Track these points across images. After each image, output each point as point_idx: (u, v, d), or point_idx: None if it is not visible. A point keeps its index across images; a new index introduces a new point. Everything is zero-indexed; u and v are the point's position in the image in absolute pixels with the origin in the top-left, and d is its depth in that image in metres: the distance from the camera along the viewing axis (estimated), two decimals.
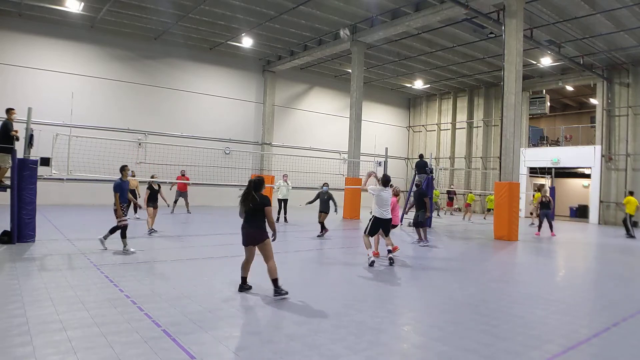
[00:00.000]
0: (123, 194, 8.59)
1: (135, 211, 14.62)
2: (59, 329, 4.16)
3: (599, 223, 21.66)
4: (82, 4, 16.41)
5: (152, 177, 12.05)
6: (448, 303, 5.80)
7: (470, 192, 23.11)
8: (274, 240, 5.80)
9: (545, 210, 15.27)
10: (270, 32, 19.53)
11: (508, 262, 9.85)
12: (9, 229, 8.70)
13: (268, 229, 5.75)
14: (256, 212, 5.68)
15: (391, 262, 8.23)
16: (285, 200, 15.69)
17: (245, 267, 5.91)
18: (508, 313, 5.42)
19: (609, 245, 13.65)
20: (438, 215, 22.92)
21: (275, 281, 5.60)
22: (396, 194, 9.99)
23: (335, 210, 12.11)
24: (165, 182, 17.08)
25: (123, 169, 8.76)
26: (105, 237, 8.67)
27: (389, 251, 8.41)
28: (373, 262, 7.98)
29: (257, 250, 5.82)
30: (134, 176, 14.14)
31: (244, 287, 5.90)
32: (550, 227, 15.27)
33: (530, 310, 5.58)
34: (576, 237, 15.28)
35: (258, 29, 19.06)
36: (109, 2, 16.23)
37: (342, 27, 18.51)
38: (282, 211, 15.47)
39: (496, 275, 7.99)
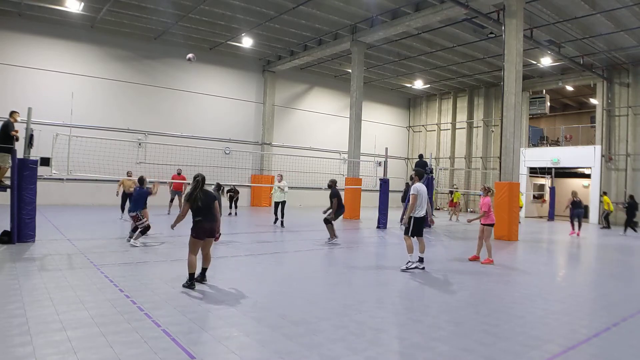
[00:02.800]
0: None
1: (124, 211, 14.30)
2: (59, 329, 4.16)
3: (599, 223, 21.65)
4: (82, 4, 16.40)
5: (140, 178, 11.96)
6: (448, 303, 5.80)
7: (457, 190, 22.56)
8: (217, 237, 6.52)
9: (579, 209, 15.65)
10: (270, 32, 19.53)
11: (508, 262, 9.84)
12: (9, 229, 8.70)
13: None
14: (210, 207, 6.10)
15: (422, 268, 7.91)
16: (283, 203, 14.57)
17: (196, 262, 6.03)
18: (508, 313, 5.42)
19: (609, 245, 13.65)
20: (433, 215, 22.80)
21: (205, 272, 6.22)
22: (487, 190, 9.46)
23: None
24: (164, 182, 17.05)
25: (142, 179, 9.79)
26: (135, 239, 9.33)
27: (421, 259, 8.01)
28: (416, 267, 7.76)
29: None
30: (130, 177, 14.01)
31: (203, 281, 6.16)
32: (579, 226, 15.74)
33: (530, 310, 5.58)
34: (576, 237, 15.27)
35: (258, 29, 19.06)
36: (109, 2, 16.23)
37: (342, 27, 18.53)
38: (280, 214, 14.43)
39: (496, 275, 7.99)
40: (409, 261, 7.83)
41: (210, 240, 6.24)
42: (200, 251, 6.16)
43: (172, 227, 6.24)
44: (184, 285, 5.92)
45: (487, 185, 9.67)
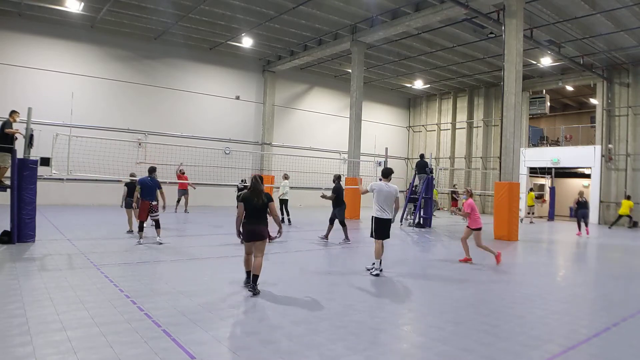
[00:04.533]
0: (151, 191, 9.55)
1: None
2: (59, 329, 4.16)
3: (599, 223, 21.65)
4: (82, 4, 16.40)
5: (131, 175, 11.94)
6: (448, 303, 5.79)
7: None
8: (279, 235, 6.36)
9: (583, 210, 15.67)
10: (270, 32, 19.53)
11: (508, 262, 9.83)
12: (9, 229, 8.70)
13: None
14: (259, 210, 5.87)
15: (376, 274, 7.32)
16: (287, 201, 15.23)
17: (250, 261, 6.04)
18: (508, 313, 5.42)
19: (609, 245, 13.65)
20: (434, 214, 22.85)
21: (257, 277, 5.83)
22: (470, 193, 9.43)
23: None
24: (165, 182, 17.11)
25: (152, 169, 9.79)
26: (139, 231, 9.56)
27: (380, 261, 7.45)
28: (378, 274, 7.24)
29: None
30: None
31: (247, 286, 6.02)
32: (586, 225, 15.83)
33: (530, 310, 5.58)
34: (576, 237, 15.27)
35: (258, 29, 19.06)
36: (109, 2, 16.22)
37: (342, 27, 18.54)
38: (285, 212, 14.96)
39: (496, 275, 7.99)
40: (373, 264, 7.41)
41: (259, 244, 5.86)
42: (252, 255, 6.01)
43: (239, 235, 5.94)
44: (245, 284, 6.09)
45: (469, 188, 9.80)
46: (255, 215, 5.85)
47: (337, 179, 11.45)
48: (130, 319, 4.54)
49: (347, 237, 11.03)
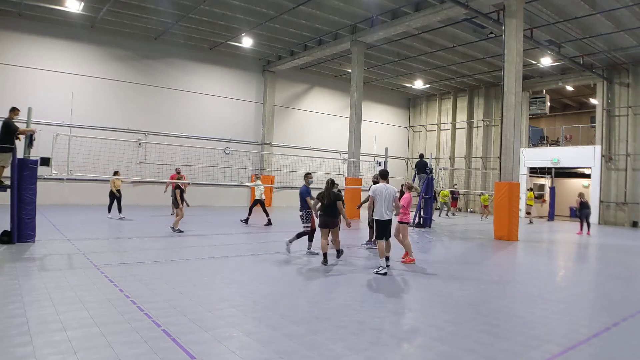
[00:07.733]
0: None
1: (120, 211, 14.18)
2: (59, 329, 4.16)
3: (599, 223, 21.66)
4: (82, 4, 16.41)
5: (178, 171, 11.93)
6: (448, 303, 5.79)
7: (484, 193, 23.38)
8: (349, 225, 8.03)
9: (586, 210, 16.06)
10: (270, 32, 19.53)
11: (508, 262, 9.84)
12: (9, 229, 8.70)
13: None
14: (331, 205, 7.96)
15: (384, 273, 7.34)
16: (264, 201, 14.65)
17: (325, 246, 7.96)
18: (508, 313, 5.42)
19: (609, 245, 13.65)
20: (447, 215, 22.79)
21: (339, 251, 8.35)
22: (409, 187, 9.21)
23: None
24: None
25: (308, 175, 9.50)
26: (291, 241, 9.10)
27: (387, 257, 7.65)
28: (385, 272, 7.26)
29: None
30: (116, 175, 13.88)
31: (338, 257, 8.27)
32: (588, 226, 16.18)
33: (530, 310, 5.58)
34: (576, 237, 15.28)
35: (258, 29, 19.06)
36: (109, 2, 16.23)
37: (342, 27, 18.53)
38: (264, 213, 14.34)
39: (496, 275, 7.99)
40: (379, 265, 7.44)
41: (333, 230, 8.10)
42: (330, 239, 8.22)
43: (316, 215, 8.30)
44: (322, 263, 7.90)
45: (409, 182, 9.67)
46: (326, 210, 7.99)
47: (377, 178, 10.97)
48: (130, 319, 4.54)
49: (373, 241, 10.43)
